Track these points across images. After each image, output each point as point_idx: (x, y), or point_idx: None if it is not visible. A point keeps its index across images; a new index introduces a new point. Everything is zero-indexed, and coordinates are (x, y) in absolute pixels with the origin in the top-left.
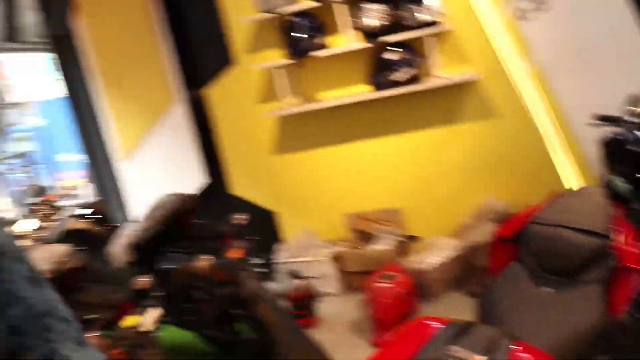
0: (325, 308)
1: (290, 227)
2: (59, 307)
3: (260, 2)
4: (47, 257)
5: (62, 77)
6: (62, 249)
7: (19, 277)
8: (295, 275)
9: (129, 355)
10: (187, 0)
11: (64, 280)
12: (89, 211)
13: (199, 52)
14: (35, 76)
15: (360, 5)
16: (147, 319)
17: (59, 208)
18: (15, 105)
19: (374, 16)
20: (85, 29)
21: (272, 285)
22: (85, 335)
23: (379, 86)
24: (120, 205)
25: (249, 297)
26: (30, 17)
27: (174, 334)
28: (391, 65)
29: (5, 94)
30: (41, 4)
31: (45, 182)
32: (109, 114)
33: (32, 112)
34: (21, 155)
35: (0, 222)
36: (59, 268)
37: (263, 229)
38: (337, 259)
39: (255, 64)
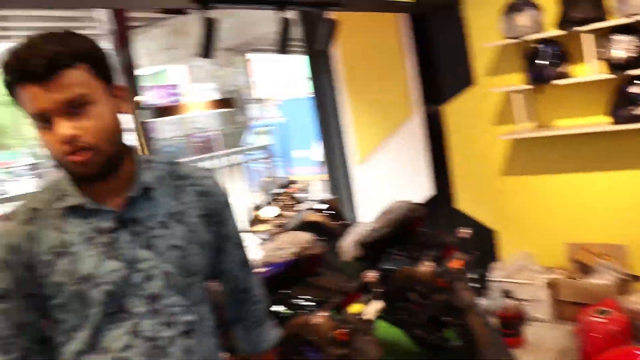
0: (532, 332)
1: (509, 247)
2: (255, 289)
3: (507, 28)
4: (293, 242)
5: (311, 78)
6: (306, 236)
7: (238, 260)
8: (507, 294)
9: (350, 338)
10: (435, 24)
11: (305, 264)
12: (325, 206)
13: (442, 71)
14: (279, 75)
15: (609, 36)
16: (370, 309)
17: (298, 200)
18: (259, 101)
19: (621, 47)
20: (339, 41)
21: (484, 301)
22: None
23: (620, 119)
24: (352, 205)
25: (462, 307)
26: (297, 32)
27: (386, 329)
28: (635, 100)
29: (251, 90)
30: (307, 25)
31: (280, 174)
32: (349, 119)
33: (274, 109)
34: (261, 148)
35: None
36: (301, 252)
37: (482, 245)
38: (552, 286)
39: (494, 86)
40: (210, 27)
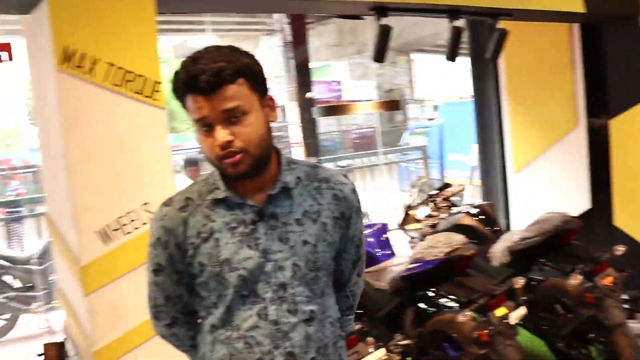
0: None
1: None
2: (356, 284)
3: None
4: (446, 242)
5: (474, 82)
6: (460, 238)
7: (352, 259)
8: None
9: (490, 339)
10: (608, 35)
11: (455, 264)
12: (477, 211)
13: (611, 83)
14: (441, 77)
15: None
16: (514, 314)
17: (452, 203)
18: (419, 101)
19: None
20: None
21: (634, 322)
22: None
23: None
24: (506, 213)
25: (610, 325)
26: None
27: (527, 338)
28: None
29: (412, 90)
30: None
31: (434, 177)
32: (509, 126)
33: (433, 110)
34: (417, 149)
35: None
36: (453, 253)
37: (638, 265)
38: None
39: None
40: (385, 33)
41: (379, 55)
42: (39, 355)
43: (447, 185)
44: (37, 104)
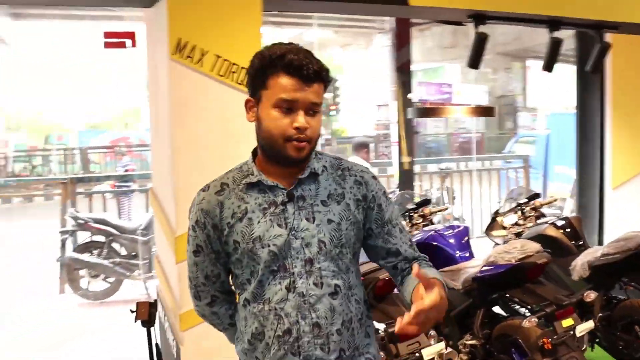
0: None
1: None
2: (421, 258)
3: None
4: (520, 248)
5: (578, 95)
6: (534, 245)
7: (406, 240)
8: None
9: (554, 348)
10: None
11: (526, 271)
12: (563, 223)
13: None
14: (553, 86)
15: None
16: (580, 327)
17: (541, 213)
18: (530, 109)
19: None
20: (611, 61)
21: None
22: None
23: None
24: (600, 228)
25: None
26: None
27: (600, 354)
28: None
29: (525, 97)
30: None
31: (535, 187)
32: (610, 141)
33: (542, 120)
34: (521, 157)
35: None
36: (525, 259)
37: None
38: None
39: None
40: (481, 41)
41: (474, 62)
42: (132, 311)
43: (537, 196)
44: (152, 88)
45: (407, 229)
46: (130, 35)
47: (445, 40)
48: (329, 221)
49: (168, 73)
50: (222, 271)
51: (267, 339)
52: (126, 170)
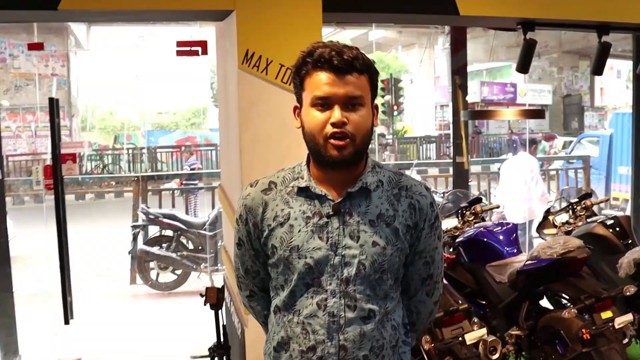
0: None
1: None
2: (427, 305)
3: None
4: (562, 244)
5: (635, 96)
6: (576, 241)
7: (421, 275)
8: None
9: (593, 339)
10: None
11: (567, 265)
12: (612, 222)
13: None
14: (618, 85)
15: None
16: (619, 320)
17: (592, 212)
18: (597, 109)
19: None
20: None
21: None
22: None
23: None
24: None
25: None
26: None
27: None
28: None
29: (592, 97)
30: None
31: (596, 188)
32: None
33: (607, 120)
34: (580, 158)
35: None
36: (566, 254)
37: None
38: None
39: None
40: (530, 47)
41: (523, 67)
42: (202, 295)
43: (588, 195)
44: (221, 93)
45: (459, 225)
46: (202, 44)
47: (510, 39)
48: (374, 244)
49: (237, 81)
50: (261, 269)
51: (291, 351)
52: (193, 169)
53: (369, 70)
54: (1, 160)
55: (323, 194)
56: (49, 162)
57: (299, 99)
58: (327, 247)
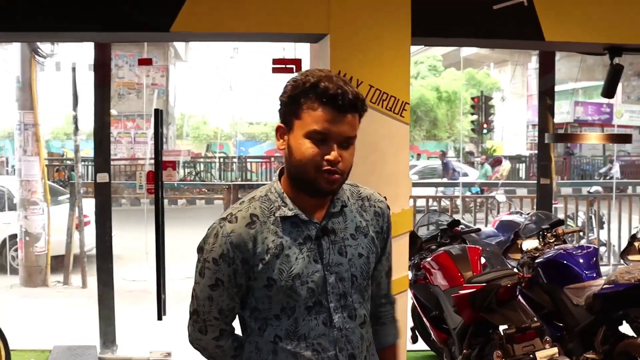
0: None
1: None
2: (391, 294)
3: None
4: (631, 269)
5: None
6: None
7: (386, 270)
8: None
9: None
10: None
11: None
12: None
13: None
14: None
15: None
16: None
17: None
18: None
19: None
20: None
21: None
22: None
23: None
24: None
25: None
26: None
27: None
28: None
29: None
30: None
31: None
32: None
33: None
34: None
35: None
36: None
37: None
38: None
39: None
40: (616, 72)
41: (609, 92)
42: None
43: None
44: None
45: (539, 247)
46: (297, 62)
47: (607, 58)
48: (360, 255)
49: None
50: (237, 304)
51: None
52: None
53: (363, 109)
54: (109, 165)
55: (309, 219)
56: (146, 167)
57: (289, 123)
58: (322, 268)
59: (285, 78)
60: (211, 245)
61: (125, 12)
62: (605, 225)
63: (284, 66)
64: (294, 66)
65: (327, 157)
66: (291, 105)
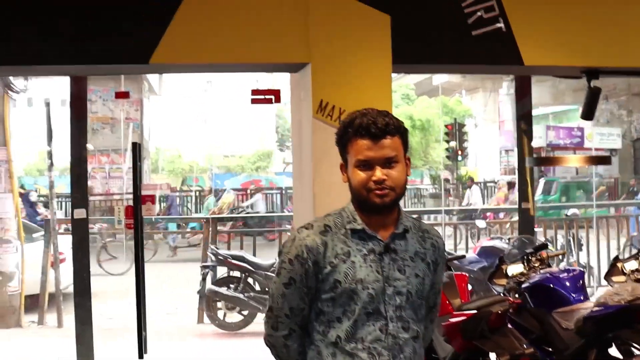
0: None
1: None
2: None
3: None
4: (631, 291)
5: None
6: None
7: (436, 296)
8: None
9: None
10: None
11: (636, 312)
12: None
13: None
14: None
15: None
16: None
17: None
18: None
19: None
20: None
21: None
22: None
23: None
24: None
25: None
26: None
27: None
28: None
29: None
30: None
31: None
32: None
33: None
34: None
35: None
36: (633, 301)
37: None
38: None
39: None
40: (594, 95)
41: (588, 115)
42: None
43: None
44: (295, 139)
45: (525, 271)
46: (275, 93)
47: (577, 82)
48: (416, 275)
49: (311, 129)
50: (306, 306)
51: None
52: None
53: (399, 131)
54: (87, 200)
55: (374, 235)
56: (122, 202)
57: (345, 160)
58: (382, 280)
59: (265, 108)
60: (288, 247)
61: (103, 44)
62: (584, 248)
63: (263, 97)
64: (272, 97)
65: (373, 178)
66: (341, 146)
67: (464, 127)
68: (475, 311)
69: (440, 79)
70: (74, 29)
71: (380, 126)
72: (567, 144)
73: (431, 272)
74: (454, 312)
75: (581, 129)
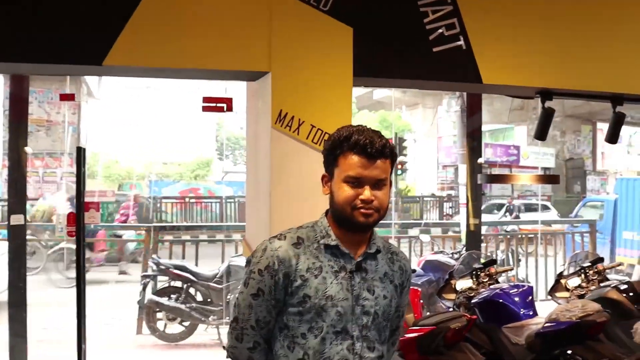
0: None
1: None
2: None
3: None
4: (581, 308)
5: None
6: (594, 305)
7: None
8: None
9: None
10: None
11: (586, 329)
12: (626, 287)
13: None
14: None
15: None
16: None
17: (605, 277)
18: (600, 173)
19: None
20: None
21: None
22: None
23: None
24: None
25: None
26: None
27: None
28: None
29: (594, 161)
30: None
31: (601, 252)
32: None
33: (611, 184)
34: (588, 222)
35: None
36: (585, 318)
37: None
38: None
39: None
40: (548, 116)
41: (541, 135)
42: (224, 348)
43: (600, 260)
44: (250, 150)
45: (474, 286)
46: (228, 101)
47: (514, 102)
48: (384, 297)
49: (269, 139)
50: (273, 319)
51: None
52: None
53: (391, 155)
54: (24, 206)
55: (347, 252)
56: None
57: (330, 172)
58: (352, 298)
59: (198, 114)
60: (259, 257)
61: (51, 43)
62: (522, 263)
63: (214, 105)
64: (224, 105)
65: (361, 197)
66: (330, 157)
67: (404, 142)
68: (433, 326)
69: (380, 93)
70: (21, 23)
71: (377, 147)
72: (504, 161)
73: (397, 295)
74: (410, 328)
75: (517, 147)
